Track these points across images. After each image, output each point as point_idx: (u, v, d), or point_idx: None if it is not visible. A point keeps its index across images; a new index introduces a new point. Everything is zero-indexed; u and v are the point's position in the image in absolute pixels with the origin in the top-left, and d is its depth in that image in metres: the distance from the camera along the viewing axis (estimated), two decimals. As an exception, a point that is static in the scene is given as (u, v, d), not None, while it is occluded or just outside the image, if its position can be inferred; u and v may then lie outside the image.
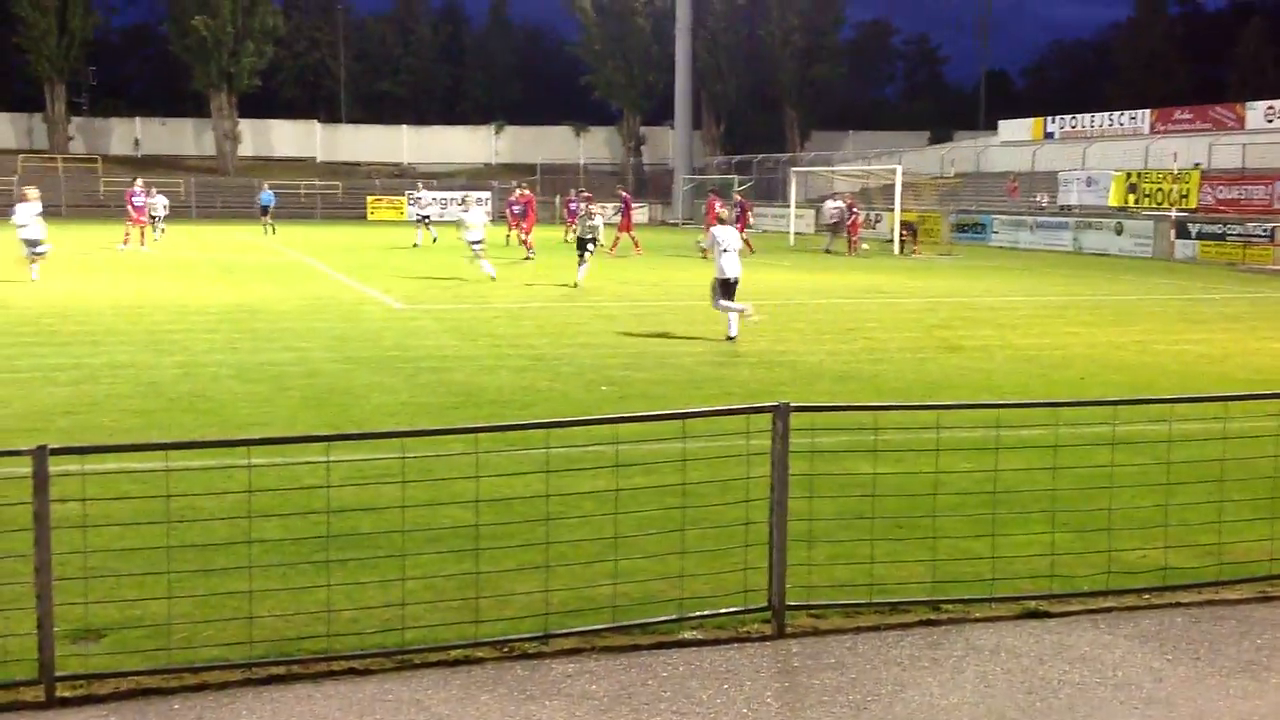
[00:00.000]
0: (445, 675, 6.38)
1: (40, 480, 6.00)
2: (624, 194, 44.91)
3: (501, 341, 18.95)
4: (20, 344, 17.81)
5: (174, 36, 79.69)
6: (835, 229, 46.49)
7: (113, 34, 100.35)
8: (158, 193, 43.79)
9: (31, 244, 27.62)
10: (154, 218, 41.54)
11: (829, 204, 49.29)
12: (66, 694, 6.06)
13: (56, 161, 78.33)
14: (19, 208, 27.83)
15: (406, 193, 44.63)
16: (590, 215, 29.97)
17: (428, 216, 46.73)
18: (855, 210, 46.69)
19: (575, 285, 27.99)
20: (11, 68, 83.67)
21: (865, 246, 46.05)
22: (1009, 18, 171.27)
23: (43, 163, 78.54)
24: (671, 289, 29.07)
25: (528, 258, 37.39)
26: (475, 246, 29.59)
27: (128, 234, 40.64)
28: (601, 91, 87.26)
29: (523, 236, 40.71)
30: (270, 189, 56.93)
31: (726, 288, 19.21)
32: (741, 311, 19.26)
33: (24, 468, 6.05)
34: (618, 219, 43.41)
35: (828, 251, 45.09)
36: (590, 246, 28.90)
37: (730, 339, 19.02)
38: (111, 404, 13.29)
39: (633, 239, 42.24)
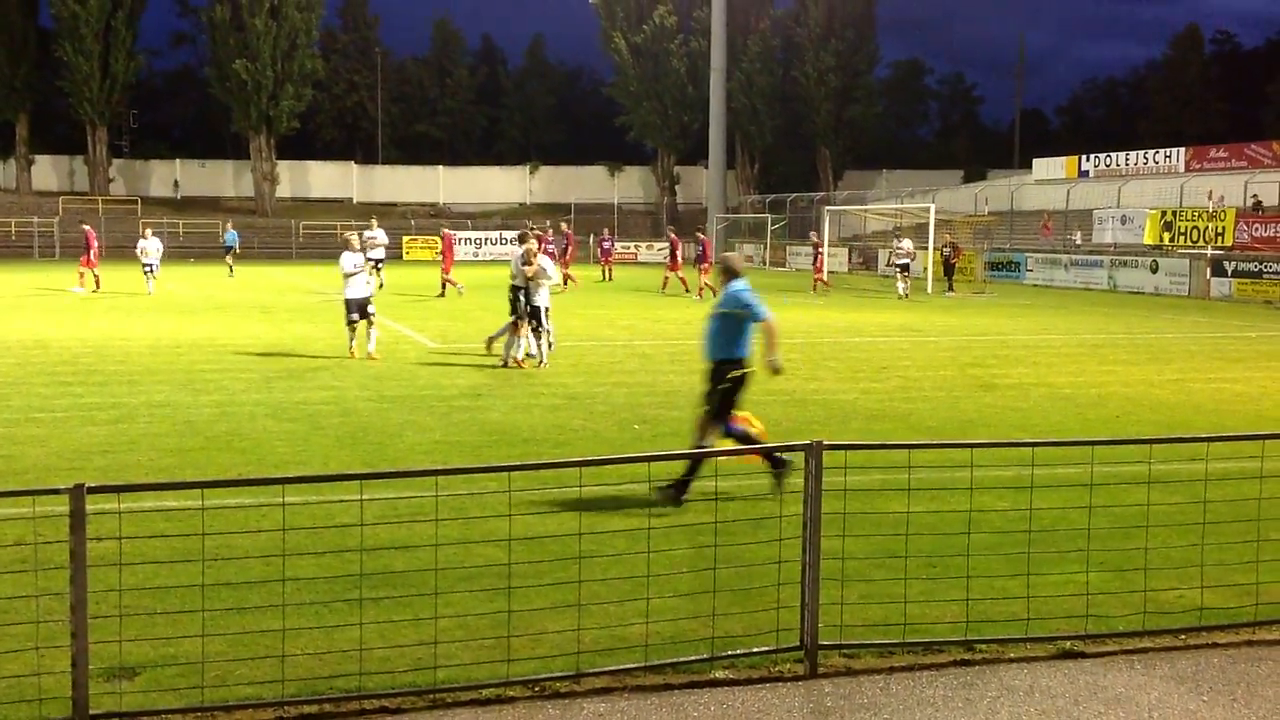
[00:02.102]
0: (477, 714, 6.38)
1: (77, 518, 6.05)
2: (672, 235, 44.64)
3: (535, 380, 19.00)
4: (59, 383, 17.99)
5: (214, 80, 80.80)
6: (905, 270, 41.83)
7: (155, 77, 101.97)
8: (152, 235, 39.51)
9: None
10: (147, 267, 38.33)
11: (903, 243, 42.98)
12: (101, 731, 6.08)
13: (97, 203, 79.34)
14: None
15: (361, 233, 39.57)
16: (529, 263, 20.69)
17: (380, 261, 40.98)
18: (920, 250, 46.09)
19: (522, 363, 20.78)
20: (54, 111, 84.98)
21: (827, 284, 44.79)
22: (1044, 57, 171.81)
23: (84, 204, 79.58)
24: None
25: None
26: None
27: (81, 274, 39.76)
28: (636, 132, 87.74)
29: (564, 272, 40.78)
30: (234, 229, 56.50)
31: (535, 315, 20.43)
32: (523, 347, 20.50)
33: (61, 506, 6.10)
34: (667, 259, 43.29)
35: (904, 297, 41.11)
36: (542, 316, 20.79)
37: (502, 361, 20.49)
38: (148, 443, 13.40)
39: (681, 279, 41.99)
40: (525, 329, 20.67)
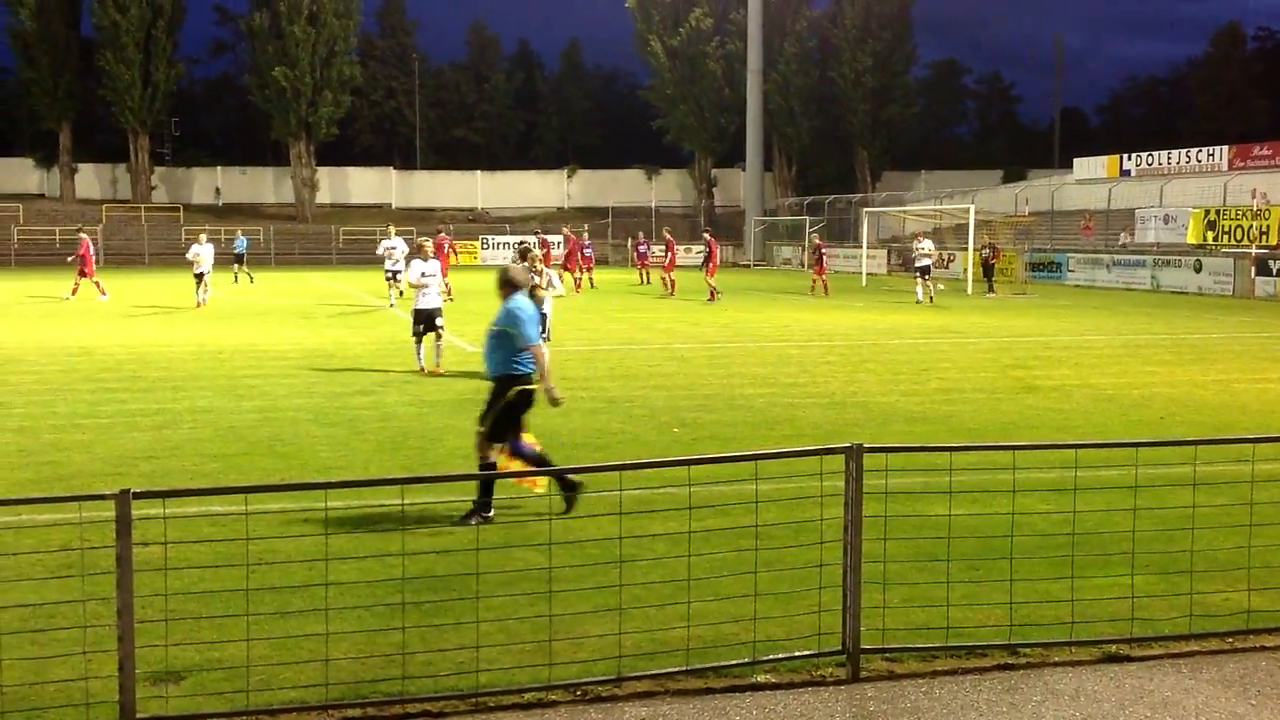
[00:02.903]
0: (519, 718, 6.39)
1: (123, 523, 6.10)
2: (709, 237, 44.64)
3: (574, 384, 19.01)
4: (104, 389, 18.17)
5: (254, 87, 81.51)
6: (925, 273, 40.27)
7: (196, 85, 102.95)
8: (207, 240, 36.50)
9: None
10: (200, 275, 35.28)
11: (923, 244, 41.39)
12: (147, 734, 6.14)
13: (139, 211, 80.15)
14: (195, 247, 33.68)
15: (382, 244, 36.81)
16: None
17: (398, 273, 35.34)
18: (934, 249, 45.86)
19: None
20: (97, 120, 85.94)
21: (940, 287, 44.78)
22: (1083, 55, 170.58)
23: (126, 212, 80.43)
24: (742, 330, 29.06)
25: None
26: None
27: (98, 283, 38.63)
28: (673, 135, 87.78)
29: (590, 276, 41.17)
30: (244, 235, 55.02)
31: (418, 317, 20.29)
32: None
33: (107, 511, 6.16)
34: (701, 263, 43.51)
35: (925, 301, 39.29)
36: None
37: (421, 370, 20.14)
38: (192, 448, 13.51)
39: (664, 280, 43.27)
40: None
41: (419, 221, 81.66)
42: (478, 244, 75.14)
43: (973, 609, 7.75)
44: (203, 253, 35.45)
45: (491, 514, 10.09)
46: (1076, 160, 72.13)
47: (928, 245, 41.05)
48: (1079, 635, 7.40)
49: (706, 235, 43.73)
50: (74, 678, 6.51)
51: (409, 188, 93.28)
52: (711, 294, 39.83)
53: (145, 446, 13.57)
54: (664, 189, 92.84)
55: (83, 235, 39.94)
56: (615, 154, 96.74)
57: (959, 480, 7.84)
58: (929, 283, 39.93)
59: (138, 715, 6.13)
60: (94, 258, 40.00)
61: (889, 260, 63.97)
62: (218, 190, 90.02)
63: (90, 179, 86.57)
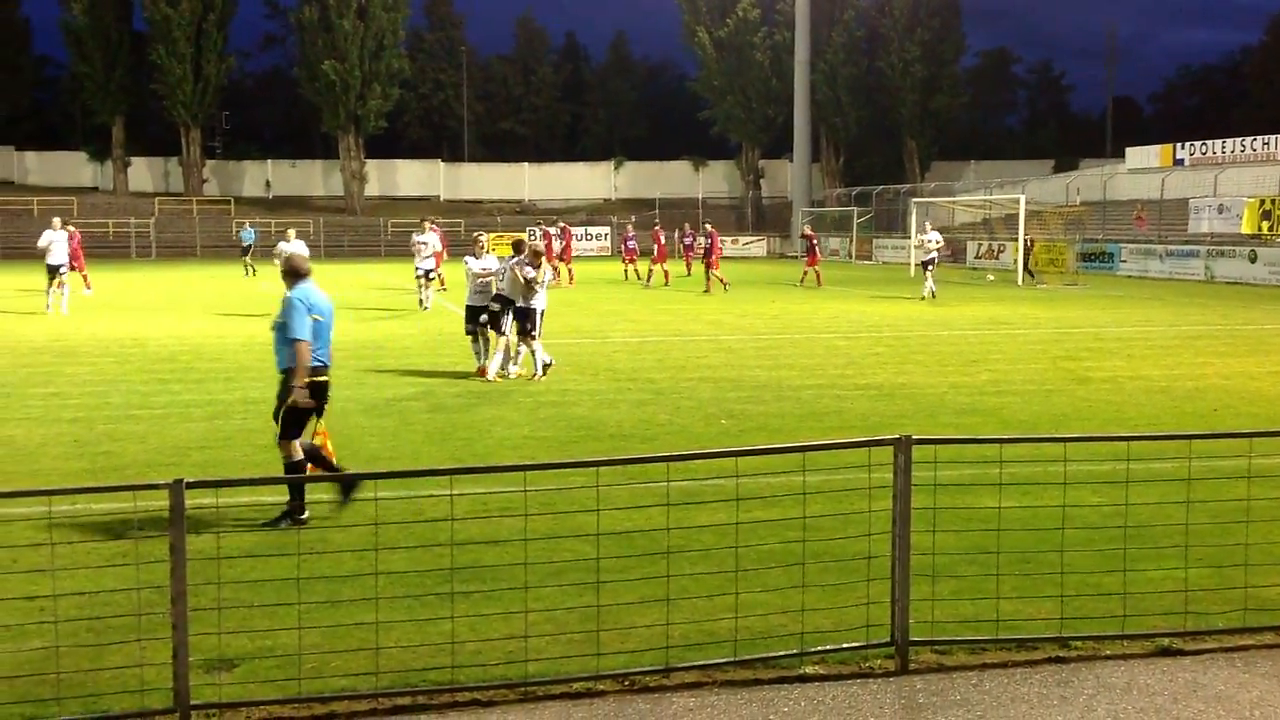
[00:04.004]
0: (568, 708, 6.42)
1: (176, 513, 6.17)
2: (808, 230, 44.50)
3: (621, 375, 19.05)
4: (157, 380, 18.38)
5: (304, 80, 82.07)
6: (931, 266, 36.89)
7: (246, 79, 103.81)
8: (296, 237, 31.91)
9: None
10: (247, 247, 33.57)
11: (929, 235, 38.02)
12: (201, 722, 6.21)
13: (191, 204, 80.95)
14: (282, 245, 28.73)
15: (413, 238, 34.25)
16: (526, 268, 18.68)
17: (431, 271, 33.93)
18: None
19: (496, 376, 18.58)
20: (149, 113, 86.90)
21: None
22: (1135, 43, 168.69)
23: (178, 205, 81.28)
24: (790, 322, 28.98)
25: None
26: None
27: (85, 277, 38.01)
28: (720, 126, 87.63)
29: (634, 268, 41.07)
30: (251, 227, 53.68)
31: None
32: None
33: (161, 501, 6.23)
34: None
35: (928, 297, 36.16)
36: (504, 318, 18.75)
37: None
38: (243, 439, 13.64)
39: (648, 271, 43.62)
40: (506, 340, 18.63)
41: (466, 214, 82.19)
42: (524, 236, 75.22)
43: (1023, 602, 7.69)
44: (294, 253, 32.86)
45: (305, 516, 9.77)
46: (1129, 150, 71.35)
47: (934, 237, 37.62)
48: (1131, 629, 7.33)
49: (707, 226, 43.44)
50: (129, 665, 6.59)
51: (456, 180, 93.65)
52: (718, 284, 39.68)
53: (198, 437, 13.72)
54: (711, 180, 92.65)
55: (70, 229, 38.23)
56: (662, 146, 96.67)
57: (1009, 472, 7.78)
58: (930, 277, 36.70)
59: (192, 702, 6.20)
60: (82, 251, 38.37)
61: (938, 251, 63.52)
62: (268, 183, 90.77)
63: (143, 172, 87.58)
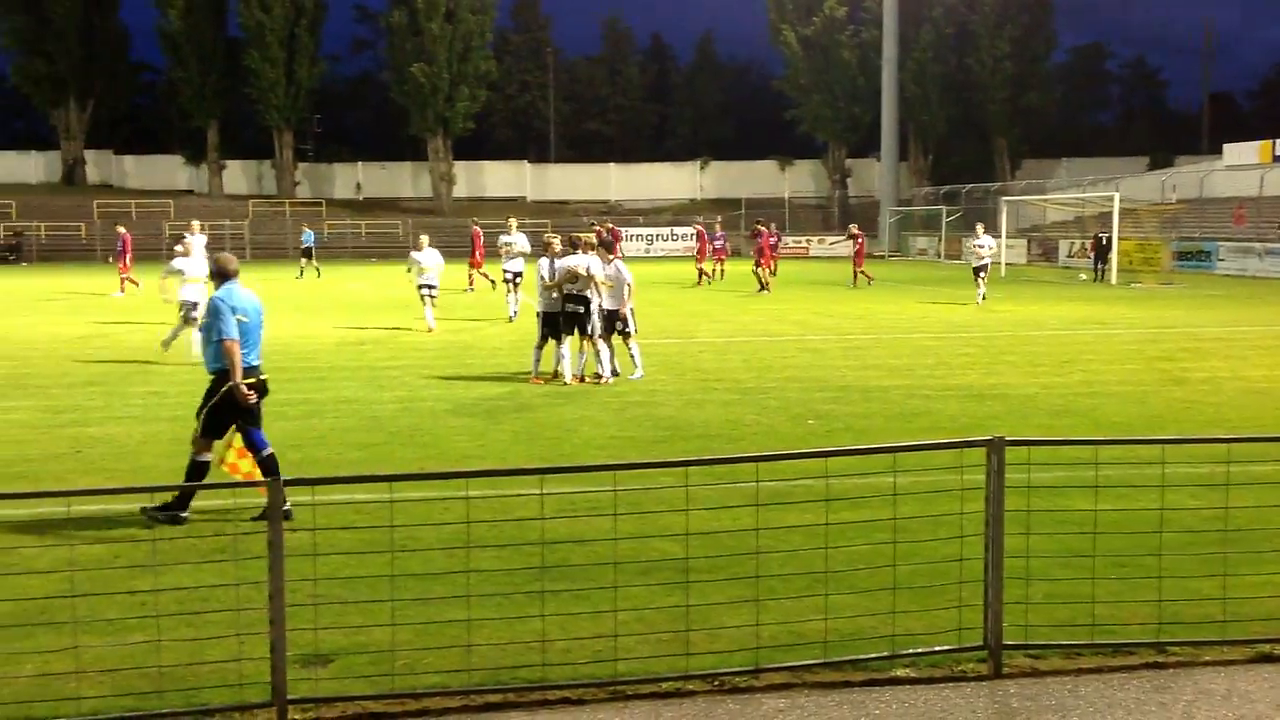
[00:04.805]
0: (657, 707, 6.43)
1: (275, 510, 6.27)
2: (855, 230, 43.98)
3: (708, 376, 19.03)
4: (252, 380, 18.68)
5: (394, 84, 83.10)
6: (984, 272, 34.20)
7: (337, 83, 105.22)
8: (429, 245, 26.96)
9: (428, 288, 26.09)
10: (426, 289, 26.40)
11: (980, 240, 34.90)
12: (297, 716, 6.31)
13: (284, 206, 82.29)
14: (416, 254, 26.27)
15: (501, 239, 30.98)
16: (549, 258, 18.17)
17: (519, 274, 29.84)
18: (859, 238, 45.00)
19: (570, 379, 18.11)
20: (243, 117, 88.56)
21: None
22: (1233, 39, 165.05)
23: (271, 207, 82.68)
24: (877, 322, 28.76)
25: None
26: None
27: (123, 281, 38.08)
28: (807, 125, 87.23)
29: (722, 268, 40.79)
30: (310, 229, 53.83)
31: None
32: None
33: (259, 499, 6.33)
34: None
35: (980, 302, 33.78)
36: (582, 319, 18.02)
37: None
38: (336, 438, 13.84)
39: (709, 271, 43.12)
40: (594, 342, 18.03)
41: (553, 214, 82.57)
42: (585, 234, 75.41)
43: (1119, 606, 7.57)
44: (425, 261, 26.74)
45: (185, 515, 9.73)
46: (1226, 146, 69.78)
47: (987, 242, 34.88)
48: (1231, 634, 7.19)
49: (758, 225, 42.98)
50: (227, 659, 6.72)
51: (543, 181, 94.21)
52: (762, 285, 39.16)
53: (292, 435, 13.93)
54: (797, 180, 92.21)
55: (120, 229, 40.04)
56: (748, 145, 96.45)
57: (1104, 475, 7.66)
58: (983, 282, 34.08)
59: (288, 696, 6.31)
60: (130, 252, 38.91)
61: (1029, 250, 62.70)
62: (358, 185, 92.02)
63: (237, 175, 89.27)
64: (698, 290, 40.36)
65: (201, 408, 10.10)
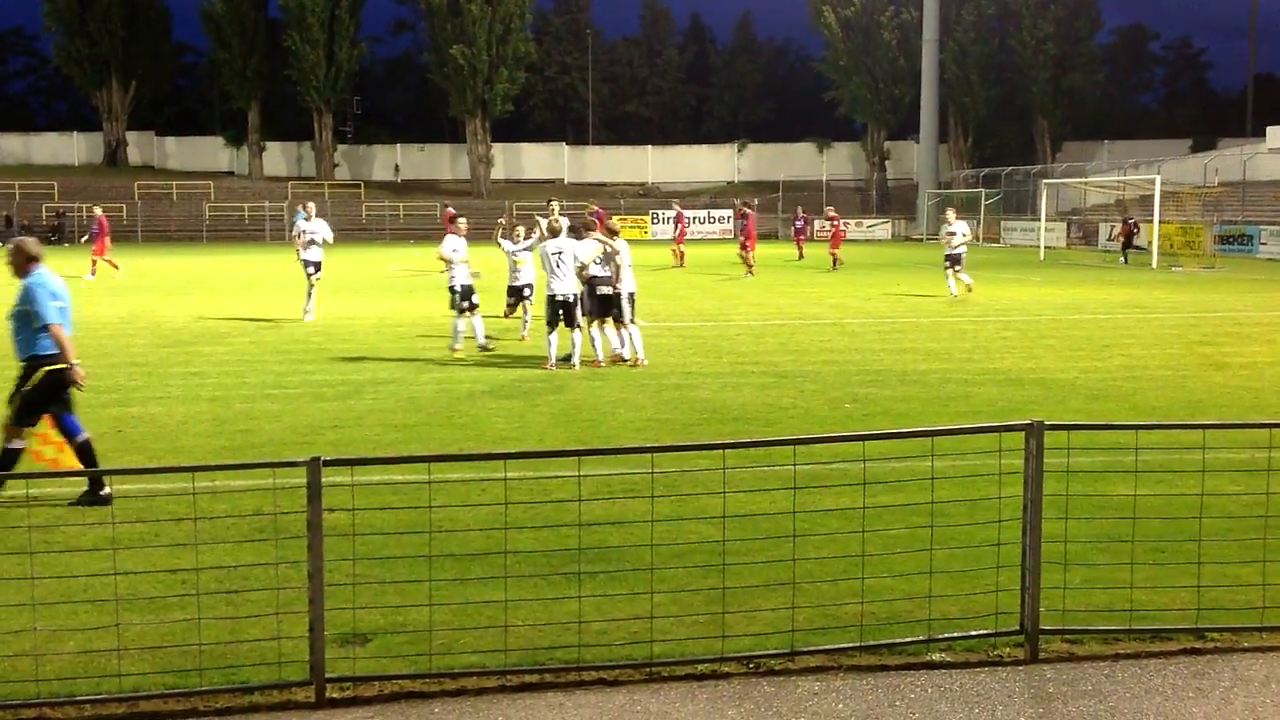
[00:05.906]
0: (692, 689, 6.45)
1: (314, 490, 6.32)
2: (748, 209, 43.02)
3: (744, 358, 19.02)
4: (290, 361, 18.83)
5: (433, 66, 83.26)
6: (956, 262, 30.53)
7: (377, 65, 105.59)
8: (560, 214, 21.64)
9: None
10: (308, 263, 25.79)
11: (953, 227, 30.56)
12: (335, 695, 6.38)
13: (323, 187, 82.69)
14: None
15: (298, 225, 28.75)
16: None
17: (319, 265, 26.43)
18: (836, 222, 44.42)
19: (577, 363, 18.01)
20: (284, 99, 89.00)
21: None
22: (1278, 20, 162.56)
23: (310, 188, 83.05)
24: (914, 305, 28.62)
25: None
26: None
27: (94, 263, 37.27)
28: (846, 107, 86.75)
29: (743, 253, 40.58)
30: (303, 209, 50.68)
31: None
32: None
33: (298, 478, 6.39)
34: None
35: (958, 294, 30.39)
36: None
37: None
38: (375, 418, 13.92)
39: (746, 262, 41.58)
40: (596, 324, 18.15)
41: (590, 196, 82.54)
42: (647, 219, 75.57)
43: (1157, 592, 7.53)
44: (307, 226, 26.74)
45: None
46: (1270, 128, 68.86)
47: (960, 228, 30.73)
48: (1270, 620, 7.14)
49: (743, 207, 42.49)
50: (266, 637, 6.79)
51: (581, 163, 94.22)
52: (749, 269, 38.75)
53: (331, 416, 14.03)
54: (835, 162, 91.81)
55: (97, 212, 39.33)
56: (786, 127, 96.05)
57: (1143, 460, 7.61)
58: (958, 273, 30.62)
59: (327, 675, 6.37)
60: (108, 236, 38.46)
61: (1068, 233, 62.21)
62: (397, 167, 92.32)
63: (277, 156, 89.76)
64: (737, 269, 40.15)
65: (13, 396, 9.97)
